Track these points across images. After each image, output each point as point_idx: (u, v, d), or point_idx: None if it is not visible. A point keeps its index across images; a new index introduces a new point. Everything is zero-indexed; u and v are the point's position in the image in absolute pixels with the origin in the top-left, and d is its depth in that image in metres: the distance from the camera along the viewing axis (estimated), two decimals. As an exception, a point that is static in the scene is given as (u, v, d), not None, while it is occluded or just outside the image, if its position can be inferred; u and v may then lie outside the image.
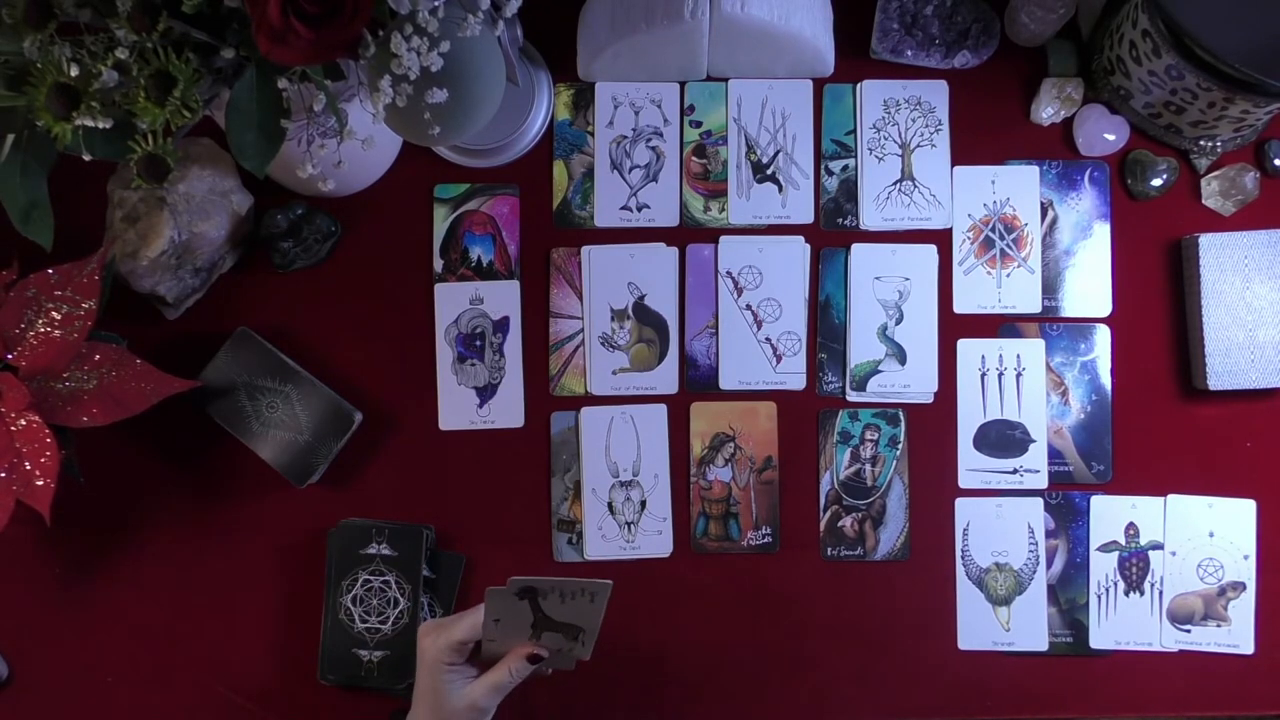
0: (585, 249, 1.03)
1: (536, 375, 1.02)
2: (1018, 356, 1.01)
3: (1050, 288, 1.02)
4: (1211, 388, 0.98)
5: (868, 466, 1.01)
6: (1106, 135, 1.03)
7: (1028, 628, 0.99)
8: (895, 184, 1.03)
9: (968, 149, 1.04)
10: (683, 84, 1.04)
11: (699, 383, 1.02)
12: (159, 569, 1.00)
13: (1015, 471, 1.00)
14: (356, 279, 1.03)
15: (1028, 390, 1.01)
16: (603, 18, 1.00)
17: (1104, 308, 1.02)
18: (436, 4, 0.70)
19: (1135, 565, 0.99)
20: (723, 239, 1.03)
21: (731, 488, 1.01)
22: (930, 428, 1.01)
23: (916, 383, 1.01)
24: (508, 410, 1.01)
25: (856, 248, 1.02)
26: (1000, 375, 1.01)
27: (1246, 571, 0.99)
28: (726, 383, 1.02)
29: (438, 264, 1.03)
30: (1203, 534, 0.99)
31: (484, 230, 1.03)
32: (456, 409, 1.01)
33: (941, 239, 1.03)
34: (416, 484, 1.01)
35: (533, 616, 0.79)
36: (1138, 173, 1.02)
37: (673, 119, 1.04)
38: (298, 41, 0.66)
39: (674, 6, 0.94)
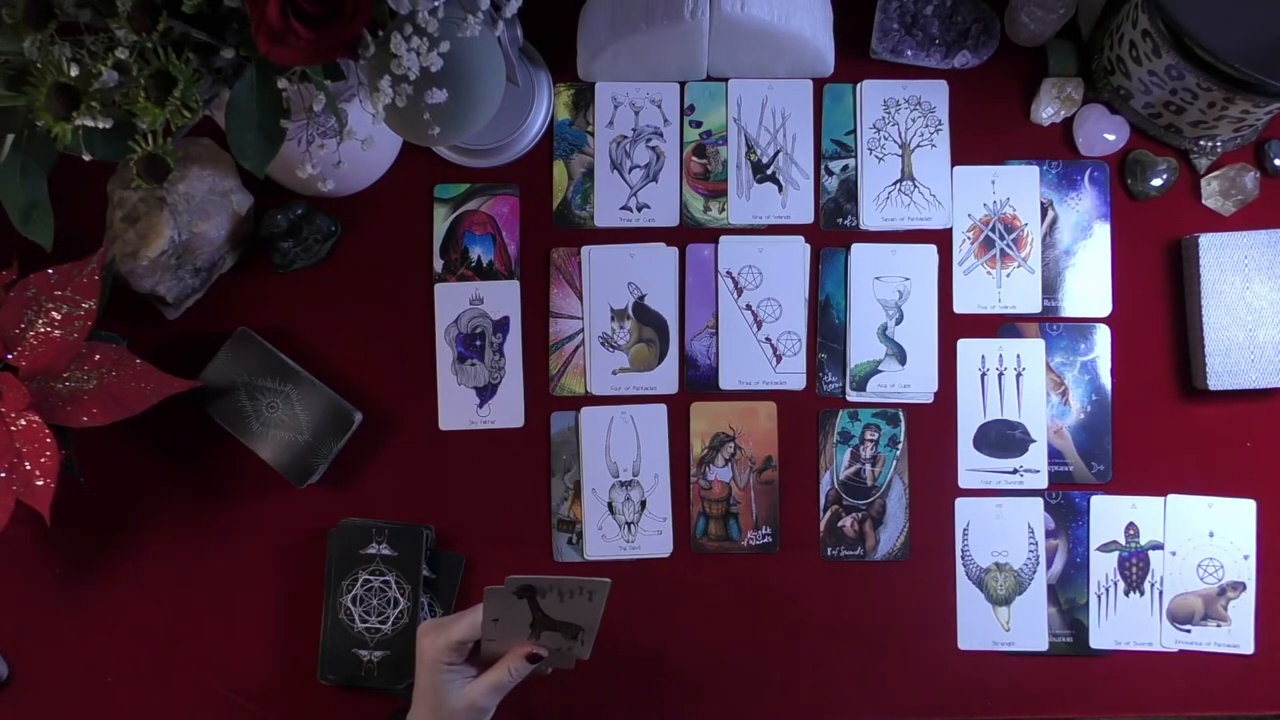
0: (585, 249, 1.03)
1: (536, 375, 1.02)
2: (1018, 356, 1.01)
3: (1050, 288, 1.02)
4: (1211, 388, 0.98)
5: (868, 466, 1.01)
6: (1106, 135, 1.03)
7: (1028, 628, 0.99)
8: (895, 184, 1.03)
9: (968, 149, 1.04)
10: (683, 84, 1.04)
11: (699, 383, 1.02)
12: (159, 569, 1.00)
13: (1015, 471, 1.00)
14: (356, 279, 1.03)
15: (1028, 390, 1.01)
16: (603, 18, 1.00)
17: (1104, 308, 1.02)
18: (436, 4, 0.70)
19: (1135, 565, 0.99)
20: (723, 239, 1.03)
21: (731, 488, 1.01)
22: (930, 428, 1.01)
23: (916, 383, 1.01)
24: (508, 410, 1.01)
25: (856, 248, 1.02)
26: (1000, 375, 1.01)
27: (1246, 571, 0.99)
28: (726, 383, 1.02)
29: (438, 264, 1.03)
30: (1203, 534, 0.99)
31: (484, 230, 1.03)
32: (456, 409, 1.01)
33: (941, 239, 1.03)
34: (416, 484, 1.01)
35: (531, 616, 0.79)
36: (1138, 173, 1.02)
37: (673, 119, 1.04)
38: (297, 42, 0.66)
39: (674, 6, 0.94)
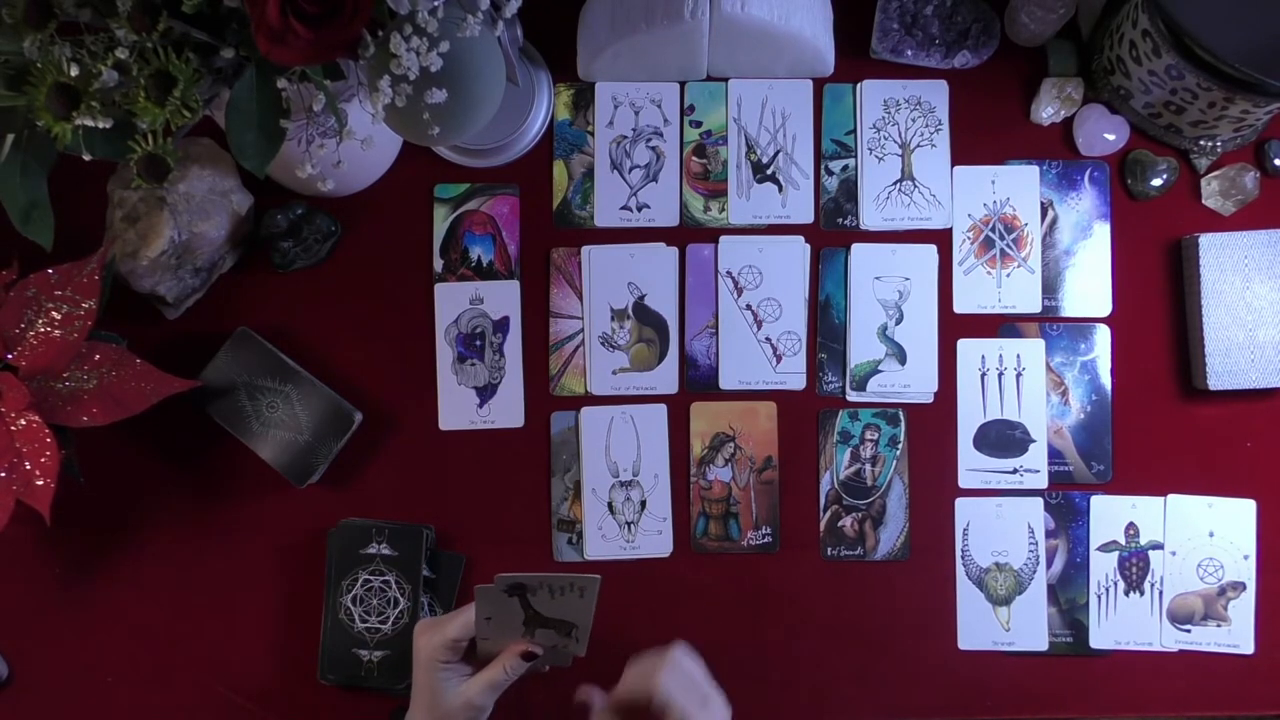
0: (585, 249, 1.03)
1: (536, 375, 1.02)
2: (1018, 356, 1.01)
3: (1050, 288, 1.02)
4: (1211, 388, 0.98)
5: (868, 466, 1.01)
6: (1106, 135, 1.03)
7: (1028, 628, 0.99)
8: (895, 184, 1.03)
9: (968, 149, 1.04)
10: (683, 84, 1.04)
11: (699, 383, 1.02)
12: (159, 569, 1.00)
13: (1015, 471, 1.00)
14: (356, 279, 1.03)
15: (1028, 390, 1.01)
16: (603, 18, 1.00)
17: (1104, 308, 1.02)
18: (436, 4, 0.70)
19: (1135, 565, 0.99)
20: (723, 239, 1.03)
21: (731, 488, 1.01)
22: (930, 428, 1.01)
23: (916, 383, 1.01)
24: (508, 410, 1.01)
25: (856, 248, 1.02)
26: (1000, 375, 1.01)
27: (1246, 571, 0.99)
28: (726, 383, 1.02)
29: (438, 264, 1.03)
30: (1203, 534, 0.99)
31: (484, 230, 1.03)
32: (456, 409, 1.01)
33: (941, 239, 1.03)
34: (416, 484, 1.01)
35: (524, 614, 0.79)
36: (1138, 173, 1.02)
37: (673, 119, 1.04)
38: (297, 41, 0.66)
39: (674, 6, 0.94)
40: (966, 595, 1.00)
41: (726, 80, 1.04)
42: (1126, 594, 0.99)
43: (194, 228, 0.96)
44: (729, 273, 1.02)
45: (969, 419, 1.01)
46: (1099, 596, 0.99)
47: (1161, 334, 1.02)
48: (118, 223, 0.96)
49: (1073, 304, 1.02)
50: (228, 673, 0.99)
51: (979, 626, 0.99)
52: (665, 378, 1.02)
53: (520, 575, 0.76)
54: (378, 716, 0.98)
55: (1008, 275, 1.02)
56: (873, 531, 1.00)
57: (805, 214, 1.03)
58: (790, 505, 1.01)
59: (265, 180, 0.87)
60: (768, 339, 1.02)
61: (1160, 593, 0.99)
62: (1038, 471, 1.00)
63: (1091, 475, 1.00)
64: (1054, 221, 1.03)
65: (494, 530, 1.00)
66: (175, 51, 0.68)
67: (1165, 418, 1.01)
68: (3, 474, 0.87)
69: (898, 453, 1.01)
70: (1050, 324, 1.02)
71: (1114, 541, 1.00)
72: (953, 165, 1.04)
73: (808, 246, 1.03)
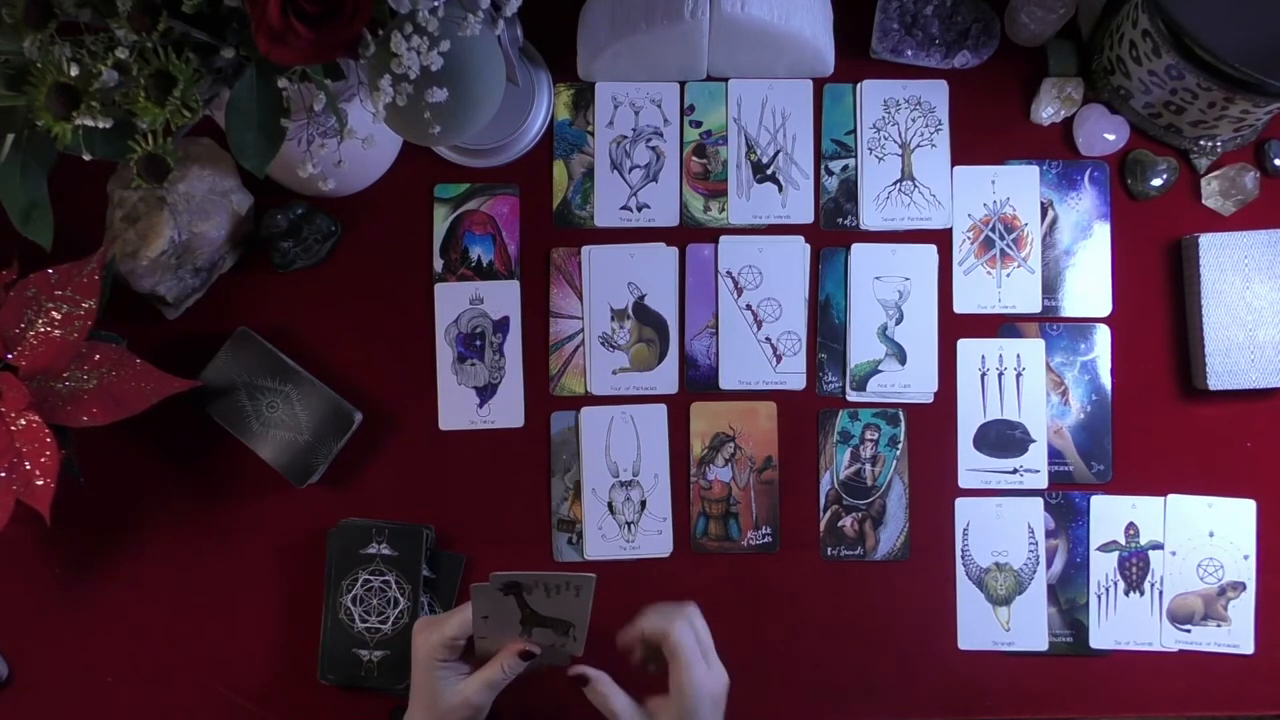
0: (585, 249, 1.03)
1: (536, 375, 1.02)
2: (1018, 356, 1.01)
3: (1050, 288, 1.02)
4: (1211, 388, 0.98)
5: (868, 466, 1.01)
6: (1106, 135, 1.03)
7: (1028, 627, 0.99)
8: (895, 184, 1.03)
9: (968, 149, 1.04)
10: (683, 84, 1.04)
11: (699, 383, 1.02)
12: (159, 569, 1.00)
13: (1015, 471, 1.00)
14: (356, 279, 1.03)
15: (1028, 390, 1.01)
16: (603, 18, 1.00)
17: (1104, 308, 1.02)
18: (436, 3, 0.70)
19: (1135, 565, 0.99)
20: (723, 239, 1.03)
21: (731, 488, 1.01)
22: (930, 428, 1.01)
23: (916, 383, 1.01)
24: (508, 410, 1.01)
25: (856, 248, 1.02)
26: (1000, 375, 1.01)
27: (1246, 571, 0.99)
28: (726, 383, 1.02)
29: (438, 264, 1.03)
30: (1203, 534, 0.99)
31: (484, 230, 1.03)
32: (456, 409, 1.01)
33: (941, 239, 1.03)
34: (416, 484, 1.01)
35: (521, 613, 0.79)
36: (1138, 173, 1.02)
37: (673, 119, 1.04)
38: (298, 41, 0.66)
39: (674, 6, 0.94)
40: (966, 595, 1.00)
41: (726, 80, 1.04)
42: (1126, 594, 0.99)
43: (194, 228, 0.96)
44: (729, 273, 1.02)
45: (969, 419, 1.01)
46: (1099, 596, 0.99)
47: (1161, 334, 1.02)
48: (118, 223, 0.96)
49: (1073, 304, 1.02)
50: (228, 673, 0.99)
51: (979, 626, 0.99)
52: (665, 378, 1.02)
53: (515, 573, 0.76)
54: (378, 716, 0.98)
55: (1008, 275, 1.02)
56: (873, 531, 1.00)
57: (805, 214, 1.03)
58: (790, 505, 1.01)
59: (265, 180, 0.87)
60: (768, 339, 1.02)
61: (1160, 593, 0.99)
62: (1038, 471, 1.00)
63: (1091, 475, 1.00)
64: (1054, 221, 1.03)
65: (494, 530, 1.00)
66: (175, 51, 0.68)
67: (1165, 418, 1.01)
68: (3, 474, 0.87)
69: (898, 453, 1.01)
70: (1050, 324, 1.02)
71: (1114, 541, 1.00)
72: (953, 165, 1.04)
73: (808, 246, 1.03)
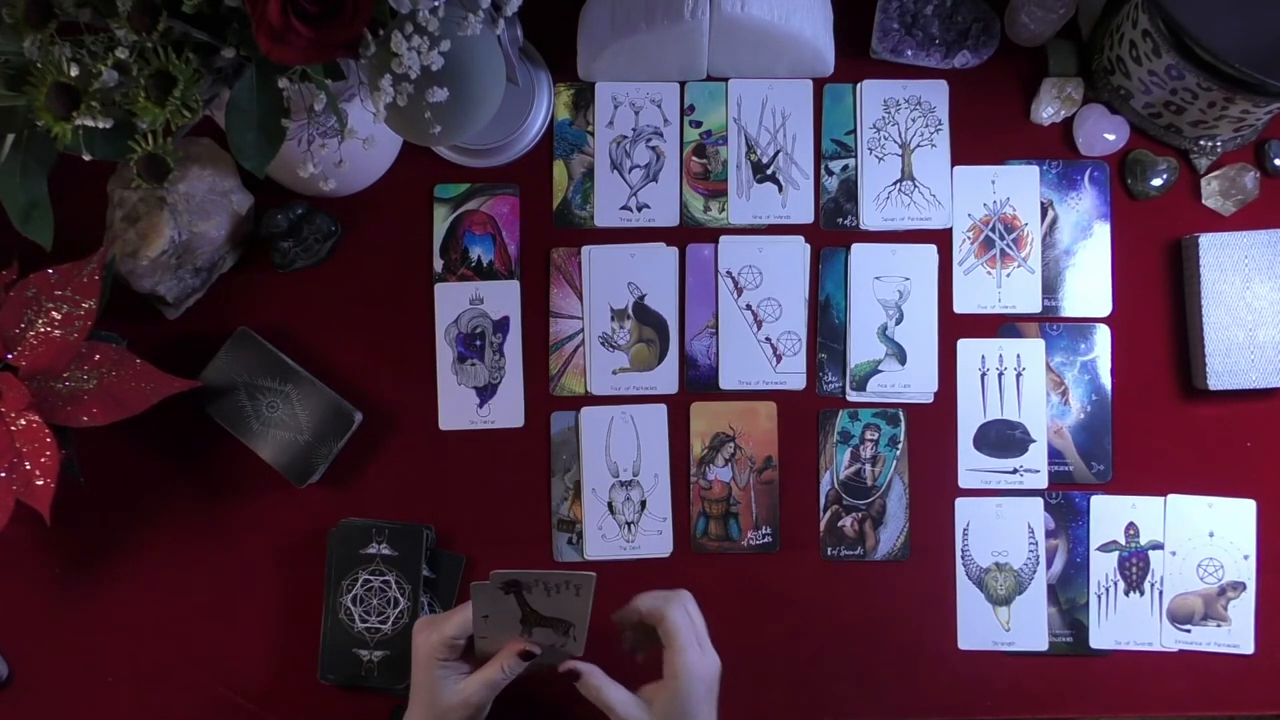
0: (585, 249, 1.03)
1: (536, 375, 1.02)
2: (1018, 356, 1.01)
3: (1050, 288, 1.02)
4: (1211, 388, 0.98)
5: (868, 466, 1.01)
6: (1106, 135, 1.03)
7: (1028, 627, 0.99)
8: (895, 184, 1.03)
9: (968, 149, 1.04)
10: (683, 84, 1.04)
11: (699, 383, 1.02)
12: (159, 569, 1.00)
13: (1015, 471, 1.00)
14: (356, 279, 1.03)
15: (1028, 390, 1.01)
16: (603, 18, 1.00)
17: (1104, 308, 1.02)
18: (436, 3, 0.70)
19: (1135, 565, 0.99)
20: (723, 239, 1.03)
21: (731, 488, 1.01)
22: (930, 428, 1.01)
23: (916, 383, 1.01)
24: (508, 410, 1.01)
25: (856, 248, 1.02)
26: (1000, 375, 1.01)
27: (1246, 571, 0.99)
28: (726, 383, 1.02)
29: (438, 264, 1.03)
30: (1203, 534, 0.99)
31: (484, 230, 1.03)
32: (456, 409, 1.01)
33: (941, 239, 1.03)
34: (416, 484, 1.01)
35: (521, 612, 0.79)
36: (1138, 173, 1.02)
37: (673, 119, 1.04)
38: (298, 41, 0.66)
39: (674, 6, 0.94)
40: (966, 595, 1.00)
41: (726, 80, 1.04)
42: (1126, 594, 0.99)
43: (194, 228, 0.95)
44: (729, 273, 1.02)
45: (969, 419, 1.01)
46: (1099, 596, 0.99)
47: (1161, 334, 1.02)
48: (118, 223, 0.96)
49: (1073, 304, 1.02)
50: (228, 673, 0.99)
51: (979, 626, 0.99)
52: (665, 378, 1.02)
53: (515, 572, 0.76)
54: (378, 716, 0.98)
55: (1008, 275, 1.02)
56: (873, 531, 1.00)
57: (805, 214, 1.03)
58: (790, 505, 1.01)
59: (265, 180, 0.87)
60: (768, 339, 1.02)
61: (1160, 593, 0.99)
62: (1038, 471, 1.00)
63: (1091, 475, 1.00)
64: (1054, 221, 1.03)
65: (494, 530, 1.00)
66: (175, 51, 0.68)
67: (1165, 418, 1.01)
68: (3, 474, 0.87)
69: (898, 453, 1.01)
70: (1050, 324, 1.02)
71: (1114, 541, 1.00)
72: (953, 165, 1.04)
73: (808, 246, 1.03)
